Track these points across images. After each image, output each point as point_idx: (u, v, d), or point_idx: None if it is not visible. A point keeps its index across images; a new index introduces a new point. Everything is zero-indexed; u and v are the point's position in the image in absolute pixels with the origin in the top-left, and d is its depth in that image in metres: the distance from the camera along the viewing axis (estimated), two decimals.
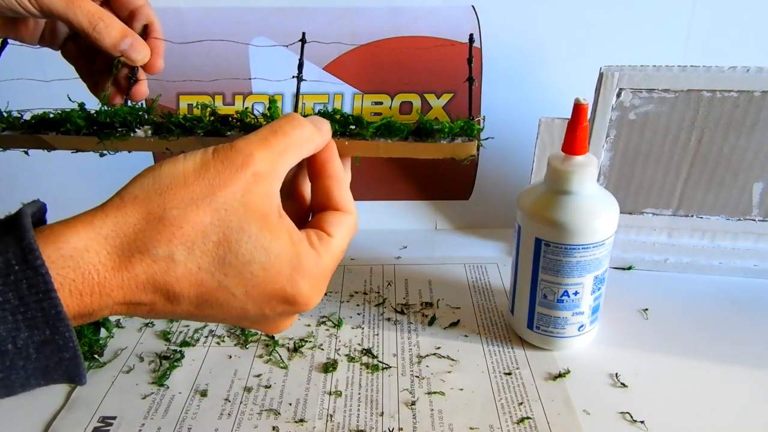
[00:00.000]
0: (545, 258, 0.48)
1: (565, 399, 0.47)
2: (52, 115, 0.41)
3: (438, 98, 0.68)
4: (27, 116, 0.42)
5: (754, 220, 0.60)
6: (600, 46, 0.65)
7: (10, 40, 0.47)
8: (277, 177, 0.31)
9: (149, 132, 0.40)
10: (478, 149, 0.39)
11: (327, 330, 0.56)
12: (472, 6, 0.65)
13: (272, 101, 0.40)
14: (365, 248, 0.69)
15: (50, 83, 0.48)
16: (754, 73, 0.53)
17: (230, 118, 0.40)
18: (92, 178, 0.70)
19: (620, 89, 0.55)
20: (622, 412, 0.46)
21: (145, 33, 0.46)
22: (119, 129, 0.40)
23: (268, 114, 0.40)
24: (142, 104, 0.43)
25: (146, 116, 0.40)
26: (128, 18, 0.45)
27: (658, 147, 0.58)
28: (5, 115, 0.41)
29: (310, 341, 0.54)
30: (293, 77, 0.45)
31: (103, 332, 0.55)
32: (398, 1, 0.65)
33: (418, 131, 0.40)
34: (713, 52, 0.63)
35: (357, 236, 0.76)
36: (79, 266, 0.26)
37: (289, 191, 0.38)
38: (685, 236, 0.62)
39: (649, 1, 0.64)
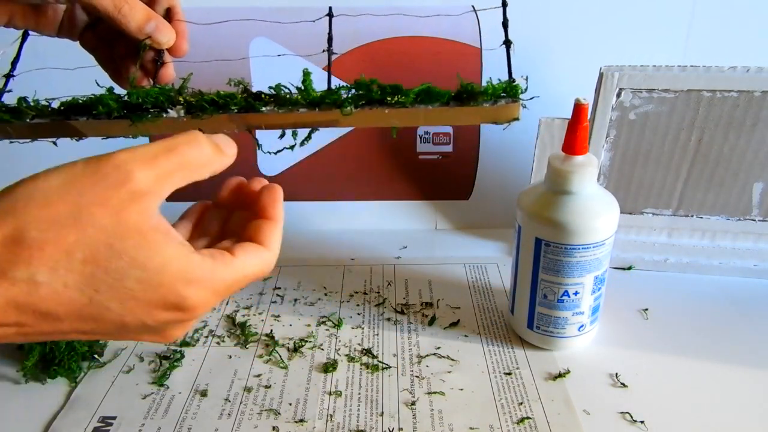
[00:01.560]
0: (545, 258, 0.48)
1: (565, 399, 0.47)
2: (81, 101, 0.40)
3: None
4: (55, 104, 0.41)
5: (754, 220, 0.60)
6: (600, 46, 0.65)
7: (29, 31, 0.47)
8: (159, 196, 0.29)
9: (182, 112, 0.40)
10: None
11: (327, 330, 0.56)
12: (472, 6, 0.65)
13: (306, 74, 0.39)
14: (365, 248, 0.69)
15: (75, 71, 0.48)
16: (754, 73, 0.53)
17: (263, 94, 0.40)
18: None
19: (620, 89, 0.55)
20: (622, 412, 0.46)
21: (168, 16, 0.46)
22: (151, 110, 0.39)
23: (303, 88, 0.39)
24: (172, 85, 0.42)
25: (178, 96, 0.40)
26: (150, 1, 0.45)
27: (658, 147, 0.58)
28: (33, 104, 0.41)
29: (310, 341, 0.54)
30: (323, 51, 0.45)
31: None
32: (398, 1, 0.65)
33: (460, 95, 0.38)
34: (713, 52, 0.63)
35: (357, 236, 0.77)
36: None
37: (196, 226, 0.37)
38: (685, 236, 0.62)
39: (649, 1, 0.64)
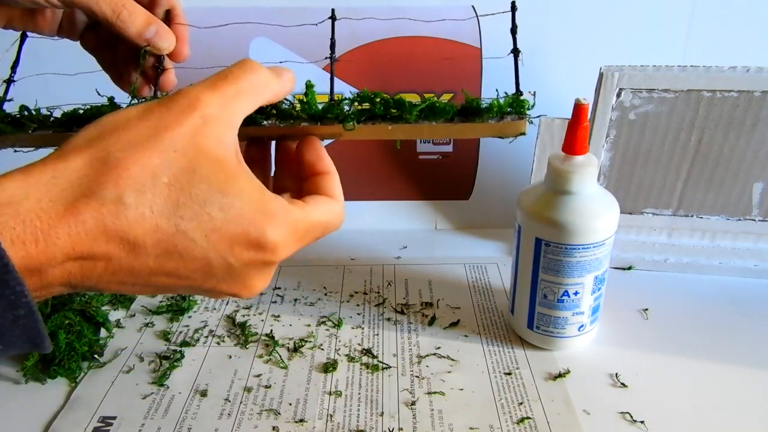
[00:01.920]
0: (545, 258, 0.48)
1: (565, 399, 0.47)
2: (81, 112, 0.40)
3: (438, 98, 0.67)
4: (57, 113, 0.41)
5: (754, 220, 0.60)
6: (600, 46, 0.65)
7: (28, 33, 0.46)
8: (230, 122, 0.30)
9: None
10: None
11: (327, 330, 0.56)
12: (472, 6, 0.65)
13: (309, 86, 0.39)
14: (365, 248, 0.69)
15: (75, 77, 0.48)
16: (754, 73, 0.53)
17: (265, 107, 0.39)
18: None
19: (620, 89, 0.55)
20: (622, 412, 0.46)
21: (168, 19, 0.44)
22: None
23: (305, 100, 0.39)
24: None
25: None
26: (149, 4, 0.44)
27: (658, 147, 0.58)
28: (34, 113, 0.41)
29: (310, 341, 0.54)
30: (326, 58, 0.45)
31: (103, 332, 0.55)
32: (398, 1, 0.65)
33: (464, 111, 0.38)
34: (713, 52, 0.63)
35: (357, 236, 0.77)
36: (19, 213, 0.25)
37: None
38: (685, 236, 0.62)
39: (649, 1, 0.64)
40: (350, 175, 0.73)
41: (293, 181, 0.37)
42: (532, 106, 0.38)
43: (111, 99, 0.41)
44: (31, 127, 0.40)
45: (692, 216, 0.61)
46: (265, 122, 0.39)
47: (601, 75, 0.55)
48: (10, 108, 0.43)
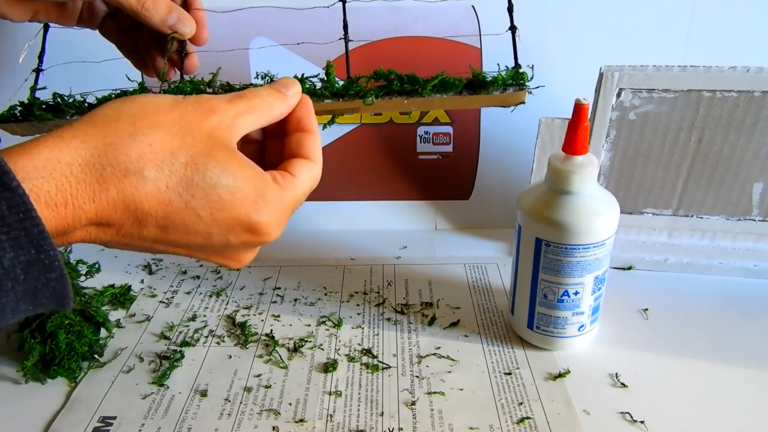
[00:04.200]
0: (545, 258, 0.48)
1: (565, 399, 0.47)
2: (114, 97, 0.43)
3: None
4: (90, 99, 0.44)
5: (754, 220, 0.60)
6: (600, 46, 0.65)
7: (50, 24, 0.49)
8: (237, 131, 0.33)
9: None
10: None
11: (327, 330, 0.56)
12: (472, 6, 0.65)
13: (329, 66, 0.43)
14: (365, 248, 0.69)
15: (85, 61, 0.51)
16: (754, 73, 0.53)
17: None
18: None
19: (620, 89, 0.55)
20: (622, 412, 0.46)
21: (186, 5, 0.47)
22: None
23: (326, 79, 0.43)
24: (202, 78, 0.45)
25: (208, 89, 0.44)
26: None
27: (658, 147, 0.58)
28: (71, 100, 0.44)
29: (310, 341, 0.54)
30: (340, 39, 0.48)
31: (103, 332, 0.55)
32: (398, 1, 0.65)
33: (471, 84, 0.42)
34: (713, 52, 0.63)
35: (357, 236, 0.77)
36: (53, 177, 0.27)
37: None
38: (685, 236, 0.62)
39: (649, 1, 0.64)
40: (350, 175, 0.73)
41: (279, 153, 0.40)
42: (531, 78, 0.42)
43: (141, 84, 0.44)
44: (69, 113, 0.43)
45: (692, 216, 0.61)
46: None
47: (601, 75, 0.55)
48: (32, 97, 0.46)
